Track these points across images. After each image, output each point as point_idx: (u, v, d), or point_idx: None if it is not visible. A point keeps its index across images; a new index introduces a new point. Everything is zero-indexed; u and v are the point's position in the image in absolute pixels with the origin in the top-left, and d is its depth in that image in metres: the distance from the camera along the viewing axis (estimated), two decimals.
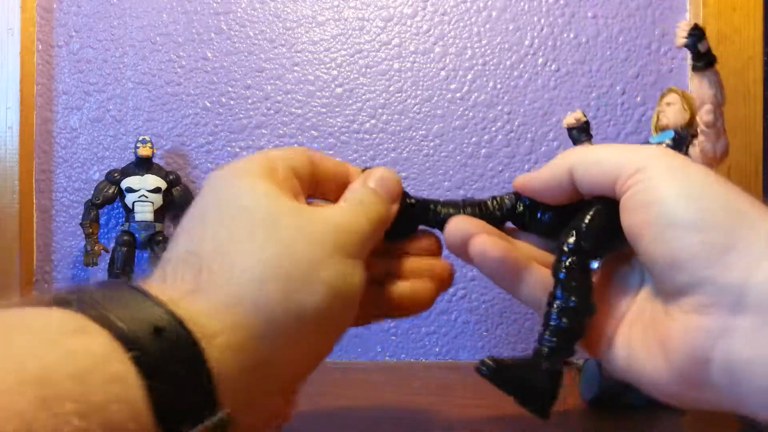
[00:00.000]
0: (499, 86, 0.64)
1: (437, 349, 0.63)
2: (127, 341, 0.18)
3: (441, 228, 0.31)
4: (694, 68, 0.35)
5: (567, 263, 0.27)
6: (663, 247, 0.24)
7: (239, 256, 0.24)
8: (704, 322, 0.23)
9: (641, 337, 0.26)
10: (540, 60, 0.64)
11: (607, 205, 0.27)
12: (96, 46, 0.66)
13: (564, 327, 0.27)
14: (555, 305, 0.27)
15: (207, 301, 0.22)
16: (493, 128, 0.64)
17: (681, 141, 0.40)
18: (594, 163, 0.27)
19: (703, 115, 0.37)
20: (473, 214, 0.31)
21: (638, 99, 0.64)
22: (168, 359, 0.19)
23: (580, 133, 0.48)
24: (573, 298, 0.27)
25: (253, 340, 0.22)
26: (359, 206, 0.28)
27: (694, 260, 0.23)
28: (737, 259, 0.22)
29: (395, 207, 0.30)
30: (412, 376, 0.56)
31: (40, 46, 0.66)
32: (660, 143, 0.40)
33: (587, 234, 0.27)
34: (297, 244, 0.24)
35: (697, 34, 0.35)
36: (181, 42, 0.66)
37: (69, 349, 0.17)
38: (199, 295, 0.22)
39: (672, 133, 0.41)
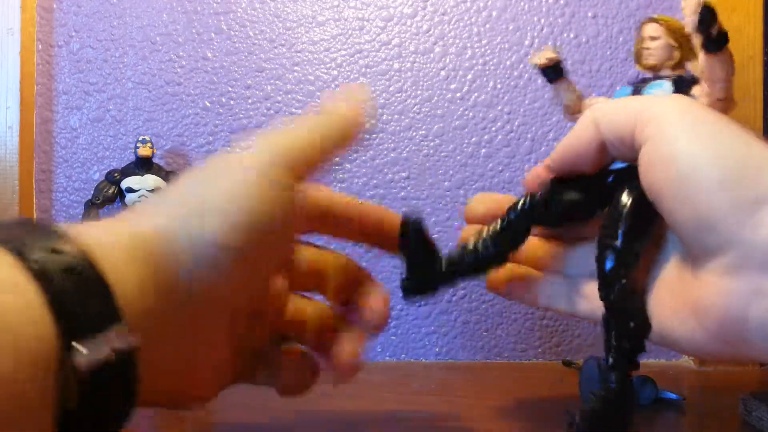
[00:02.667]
0: (499, 86, 0.64)
1: (437, 349, 0.63)
2: (24, 256, 0.18)
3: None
4: (705, 50, 0.32)
5: (615, 291, 0.26)
6: (688, 208, 0.23)
7: (164, 198, 0.25)
8: (737, 284, 0.22)
9: (670, 303, 0.25)
10: None
11: (634, 197, 0.26)
12: (96, 46, 0.66)
13: (627, 349, 0.26)
14: (613, 333, 0.27)
15: (114, 227, 0.22)
16: (493, 128, 0.64)
17: (680, 87, 0.35)
18: (614, 111, 0.26)
19: (717, 93, 0.32)
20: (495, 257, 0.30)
21: None
22: (63, 270, 0.18)
23: (555, 73, 0.40)
24: (630, 323, 0.26)
25: (157, 253, 0.22)
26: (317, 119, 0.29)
27: (723, 220, 0.22)
28: (767, 217, 0.21)
29: (357, 119, 0.30)
30: (412, 376, 0.55)
31: (40, 46, 0.66)
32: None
33: (626, 254, 0.26)
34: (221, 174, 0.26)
35: (708, 17, 0.31)
36: (181, 42, 0.66)
37: None
38: (110, 226, 0.22)
39: (663, 84, 0.35)
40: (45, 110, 0.66)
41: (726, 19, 0.61)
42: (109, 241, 0.21)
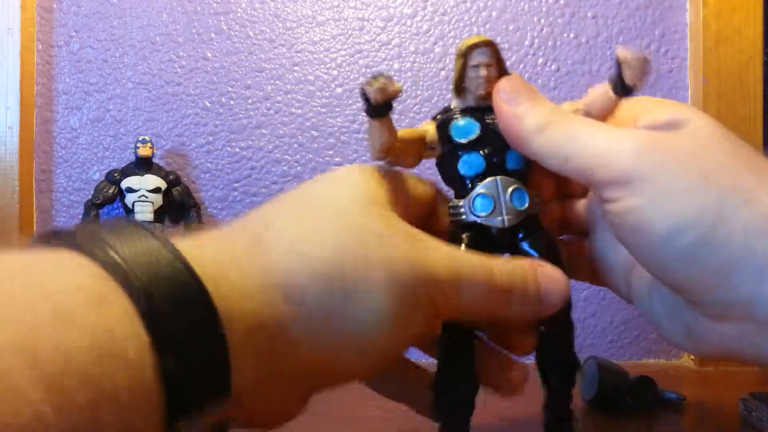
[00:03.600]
0: None
1: None
2: (149, 318, 0.17)
3: None
4: (618, 94, 0.32)
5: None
6: (662, 275, 0.24)
7: (292, 230, 0.21)
8: (724, 328, 0.23)
9: (668, 314, 0.27)
10: (540, 60, 0.64)
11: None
12: (96, 46, 0.66)
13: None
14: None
15: (243, 281, 0.20)
16: None
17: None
18: (586, 149, 0.25)
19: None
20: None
21: None
22: (187, 339, 0.17)
23: (385, 109, 0.30)
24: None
25: (275, 335, 0.20)
26: (500, 268, 0.25)
27: (697, 287, 0.23)
28: (741, 277, 0.22)
29: (537, 313, 0.27)
30: None
31: (40, 46, 0.66)
32: (467, 138, 0.31)
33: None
34: (369, 239, 0.22)
35: (647, 74, 0.31)
36: (181, 42, 0.66)
37: (88, 327, 0.16)
38: (239, 272, 0.20)
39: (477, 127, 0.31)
40: (45, 110, 0.66)
41: (726, 20, 0.62)
42: (238, 301, 0.19)
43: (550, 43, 0.64)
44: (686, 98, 0.63)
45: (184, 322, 0.17)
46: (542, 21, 0.64)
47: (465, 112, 0.31)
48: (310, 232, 0.22)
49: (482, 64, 0.31)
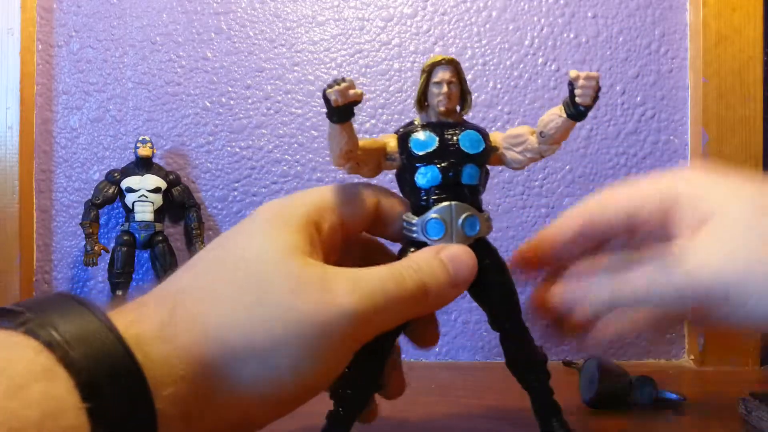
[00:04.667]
0: (499, 86, 0.64)
1: (437, 349, 0.63)
2: (86, 389, 0.19)
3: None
4: (573, 118, 0.33)
5: None
6: (741, 318, 0.26)
7: (210, 302, 0.23)
8: None
9: None
10: (540, 60, 0.64)
11: None
12: (96, 46, 0.66)
13: None
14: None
15: (167, 347, 0.22)
16: (493, 128, 0.64)
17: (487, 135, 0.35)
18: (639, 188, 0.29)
19: (548, 152, 0.34)
20: None
21: (638, 99, 0.64)
22: (119, 409, 0.19)
23: (347, 114, 0.31)
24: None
25: (198, 393, 0.22)
26: (409, 270, 0.26)
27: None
28: None
29: (456, 293, 0.29)
30: (412, 376, 0.55)
31: (40, 46, 0.66)
32: (424, 150, 0.32)
33: None
34: (276, 298, 0.23)
35: (597, 97, 0.32)
36: (181, 42, 0.66)
37: (35, 397, 0.18)
38: (162, 340, 0.22)
39: (479, 139, 0.33)
40: (45, 110, 0.66)
41: (726, 20, 0.62)
42: (165, 367, 0.21)
43: (550, 43, 0.64)
44: (686, 98, 0.63)
45: (118, 392, 0.19)
46: (542, 21, 0.64)
47: (426, 126, 0.33)
48: (219, 301, 0.23)
49: (444, 81, 0.32)
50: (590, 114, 0.67)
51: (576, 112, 0.32)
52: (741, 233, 0.25)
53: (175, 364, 0.21)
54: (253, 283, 0.23)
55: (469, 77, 0.64)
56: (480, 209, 0.33)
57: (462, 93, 0.33)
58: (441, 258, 0.28)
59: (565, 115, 0.32)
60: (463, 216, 0.32)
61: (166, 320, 0.22)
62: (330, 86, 0.28)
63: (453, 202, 0.31)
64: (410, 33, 0.65)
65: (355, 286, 0.24)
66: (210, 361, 0.22)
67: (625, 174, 0.63)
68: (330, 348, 0.23)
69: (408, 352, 0.63)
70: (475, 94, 0.64)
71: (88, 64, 0.66)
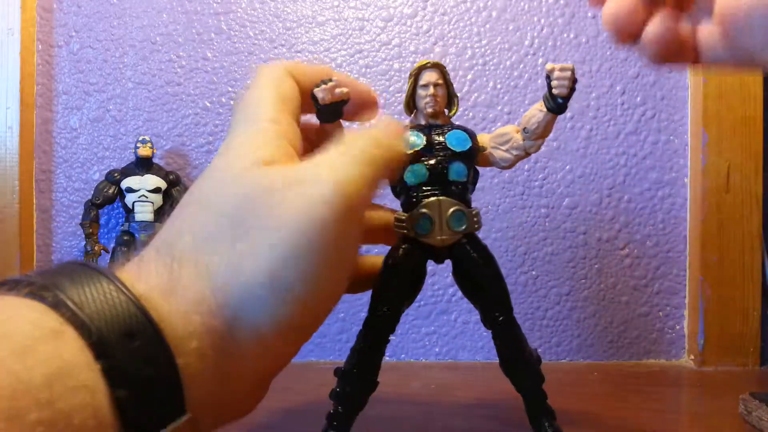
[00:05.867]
0: (499, 86, 0.64)
1: (437, 349, 0.63)
2: (98, 348, 0.18)
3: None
4: (553, 112, 0.33)
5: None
6: None
7: (206, 246, 0.22)
8: None
9: None
10: (540, 60, 0.64)
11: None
12: (96, 46, 0.66)
13: None
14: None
15: (178, 302, 0.21)
16: (493, 128, 0.64)
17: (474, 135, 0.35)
18: None
19: (534, 149, 0.35)
20: None
21: (638, 99, 0.64)
22: (137, 368, 0.18)
23: (336, 114, 0.33)
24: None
25: (222, 342, 0.21)
26: (360, 155, 0.25)
27: None
28: None
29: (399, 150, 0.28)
30: (412, 376, 0.55)
31: (40, 46, 0.66)
32: (412, 149, 0.34)
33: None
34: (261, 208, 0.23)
35: (574, 89, 0.33)
36: (181, 42, 0.66)
37: (41, 358, 0.17)
38: (172, 295, 0.21)
39: (465, 138, 0.34)
40: (45, 110, 0.66)
41: None
42: (181, 320, 0.21)
43: (550, 43, 0.64)
44: (686, 98, 0.63)
45: (133, 350, 0.19)
46: (542, 21, 0.64)
47: (414, 127, 0.35)
48: (214, 242, 0.23)
49: (430, 83, 0.34)
50: (590, 114, 0.67)
51: (555, 105, 0.33)
52: None
53: (190, 317, 0.21)
54: (238, 215, 0.23)
55: (469, 77, 0.65)
56: (469, 206, 0.34)
57: (449, 96, 0.35)
58: (382, 125, 0.28)
59: (545, 110, 0.33)
60: (450, 211, 0.33)
61: (170, 274, 0.22)
62: (317, 85, 0.29)
63: (440, 198, 0.33)
64: (410, 33, 0.65)
65: (318, 168, 0.24)
66: (224, 308, 0.21)
67: (625, 174, 0.63)
68: (328, 237, 0.23)
69: (408, 351, 0.63)
70: (475, 94, 0.64)
71: (88, 64, 0.66)
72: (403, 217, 0.33)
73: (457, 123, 0.36)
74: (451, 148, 0.33)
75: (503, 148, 0.35)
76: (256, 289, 0.22)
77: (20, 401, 0.16)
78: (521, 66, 0.64)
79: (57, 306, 0.19)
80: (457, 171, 0.33)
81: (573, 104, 0.63)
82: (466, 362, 0.63)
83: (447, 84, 0.35)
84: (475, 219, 0.34)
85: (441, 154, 0.33)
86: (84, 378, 0.17)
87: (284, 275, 0.22)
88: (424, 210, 0.33)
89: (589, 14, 0.64)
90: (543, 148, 0.64)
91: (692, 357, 0.61)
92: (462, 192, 0.34)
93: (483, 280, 0.34)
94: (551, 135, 0.63)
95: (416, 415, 0.43)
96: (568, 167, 0.63)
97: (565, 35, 0.64)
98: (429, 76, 0.34)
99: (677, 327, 0.63)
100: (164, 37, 0.66)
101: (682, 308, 0.63)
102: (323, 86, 0.29)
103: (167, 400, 0.19)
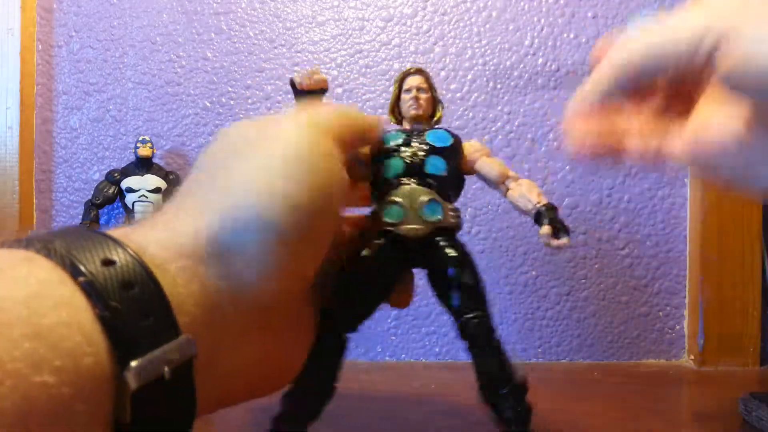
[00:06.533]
0: (499, 86, 0.64)
1: (437, 349, 0.63)
2: (75, 270, 0.18)
3: None
4: (535, 219, 0.33)
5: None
6: None
7: (196, 192, 0.23)
8: None
9: None
10: (540, 60, 0.64)
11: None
12: (96, 46, 0.66)
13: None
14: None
15: (162, 231, 0.21)
16: (493, 128, 0.64)
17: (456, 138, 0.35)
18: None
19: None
20: None
21: None
22: (117, 285, 0.18)
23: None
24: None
25: (205, 266, 0.21)
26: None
27: None
28: None
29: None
30: (412, 376, 0.55)
31: (40, 46, 0.66)
32: (391, 143, 0.34)
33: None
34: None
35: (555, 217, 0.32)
36: (181, 42, 0.66)
37: (15, 276, 0.17)
38: (152, 228, 0.21)
39: (446, 136, 0.34)
40: (45, 110, 0.66)
41: None
42: (161, 248, 0.20)
43: (550, 43, 0.64)
44: None
45: (111, 273, 0.18)
46: (542, 21, 0.64)
47: (398, 130, 0.35)
48: (215, 193, 0.23)
49: (413, 87, 0.35)
50: None
51: (537, 221, 0.32)
52: None
53: (174, 242, 0.21)
54: (221, 159, 0.24)
55: (469, 77, 0.65)
56: (448, 200, 0.33)
57: (433, 102, 0.35)
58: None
59: (529, 211, 0.33)
60: (423, 199, 0.31)
61: (154, 217, 0.22)
62: (297, 72, 0.30)
63: (414, 187, 0.32)
64: (410, 33, 0.65)
65: (295, 115, 0.26)
66: (209, 231, 0.21)
67: (625, 174, 0.63)
68: (305, 159, 0.23)
69: (408, 351, 0.63)
70: (475, 94, 0.64)
71: (88, 64, 0.66)
72: (376, 208, 0.32)
73: (444, 127, 0.35)
74: (430, 143, 0.33)
75: (487, 160, 0.35)
76: (242, 211, 0.22)
77: (1, 317, 0.16)
78: (521, 66, 0.64)
79: (29, 245, 0.19)
80: (434, 164, 0.32)
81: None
82: (466, 362, 0.62)
83: (431, 88, 0.35)
84: (452, 213, 0.32)
85: (419, 148, 0.33)
86: (62, 293, 0.17)
87: (278, 207, 0.22)
88: (395, 198, 0.31)
89: (589, 14, 0.64)
90: (543, 147, 0.64)
91: (692, 357, 0.61)
92: (440, 186, 0.32)
93: (454, 281, 0.32)
94: (551, 136, 0.64)
95: (416, 415, 0.43)
96: (568, 167, 0.63)
97: (565, 35, 0.64)
98: (413, 81, 0.35)
99: (677, 327, 0.63)
100: (164, 37, 0.66)
101: (682, 308, 0.63)
102: (302, 72, 0.29)
103: (154, 314, 0.18)
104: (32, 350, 0.16)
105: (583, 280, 0.63)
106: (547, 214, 0.31)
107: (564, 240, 0.30)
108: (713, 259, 0.60)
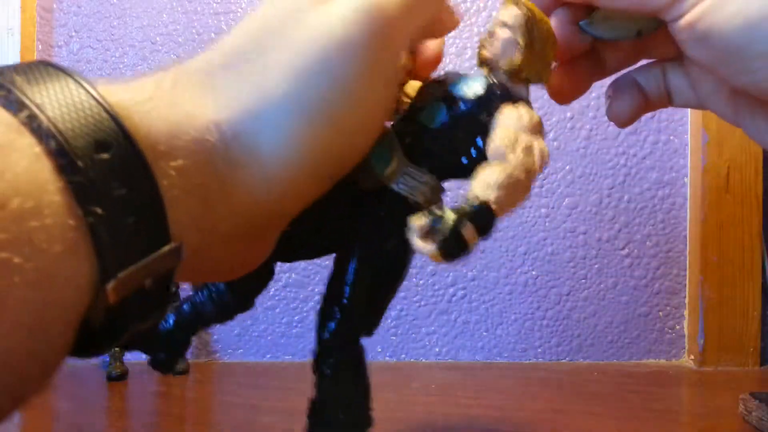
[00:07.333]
0: None
1: (437, 349, 0.63)
2: (62, 158, 0.15)
3: None
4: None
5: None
6: (747, 83, 0.22)
7: (217, 71, 0.20)
8: None
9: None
10: None
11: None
12: (96, 46, 0.66)
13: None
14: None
15: (166, 114, 0.18)
16: None
17: (490, 98, 0.26)
18: None
19: None
20: None
21: None
22: (109, 185, 0.15)
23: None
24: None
25: (216, 165, 0.19)
26: None
27: None
28: None
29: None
30: (412, 376, 0.56)
31: (40, 46, 0.66)
32: (456, 94, 0.27)
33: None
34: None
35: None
36: (181, 42, 0.66)
37: None
38: (155, 108, 0.18)
39: (483, 79, 0.27)
40: None
41: None
42: (169, 140, 0.17)
43: None
44: None
45: (103, 164, 0.15)
46: None
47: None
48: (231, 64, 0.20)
49: None
50: (590, 114, 0.67)
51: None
52: None
53: (180, 131, 0.18)
54: (259, 36, 0.21)
55: None
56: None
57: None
58: None
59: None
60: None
61: (158, 88, 0.19)
62: None
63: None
64: None
65: None
66: (223, 125, 0.19)
67: (625, 174, 0.63)
68: (348, 60, 0.20)
69: (408, 351, 0.63)
70: None
71: (88, 64, 0.66)
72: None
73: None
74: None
75: None
76: (267, 106, 0.19)
77: None
78: None
79: (9, 104, 0.15)
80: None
81: (573, 104, 0.63)
82: (466, 362, 0.63)
83: (522, 32, 0.28)
84: (422, 184, 0.26)
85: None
86: (44, 196, 0.14)
87: (292, 98, 0.19)
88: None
89: None
90: None
91: (692, 357, 0.61)
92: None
93: (362, 252, 0.26)
94: (551, 135, 0.63)
95: (416, 415, 0.43)
96: (568, 167, 0.63)
97: None
98: (505, 11, 0.29)
99: (677, 327, 0.63)
100: (164, 37, 0.66)
101: (682, 308, 0.63)
102: None
103: (147, 224, 0.16)
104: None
105: (583, 280, 0.63)
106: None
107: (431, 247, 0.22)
108: (713, 259, 0.60)
